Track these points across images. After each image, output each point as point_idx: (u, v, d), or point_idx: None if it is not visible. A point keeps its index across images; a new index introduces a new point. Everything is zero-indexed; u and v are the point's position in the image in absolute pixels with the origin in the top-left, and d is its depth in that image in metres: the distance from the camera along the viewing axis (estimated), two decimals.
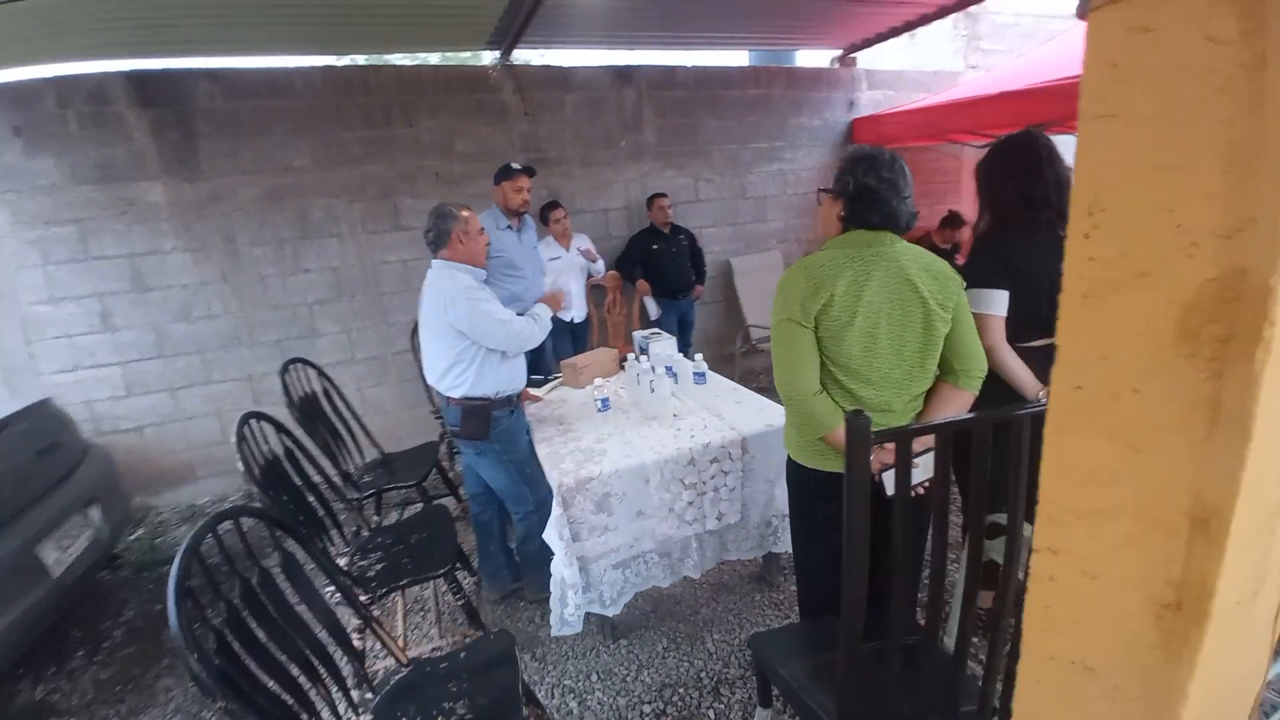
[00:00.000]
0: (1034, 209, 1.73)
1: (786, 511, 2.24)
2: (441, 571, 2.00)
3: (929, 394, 1.56)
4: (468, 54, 4.37)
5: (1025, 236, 1.75)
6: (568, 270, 3.97)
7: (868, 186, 1.42)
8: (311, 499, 2.07)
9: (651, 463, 2.03)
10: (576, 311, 4.04)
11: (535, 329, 2.21)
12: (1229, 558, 0.50)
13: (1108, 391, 0.53)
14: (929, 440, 1.47)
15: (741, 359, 4.90)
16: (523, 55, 4.08)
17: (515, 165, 3.11)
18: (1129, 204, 0.48)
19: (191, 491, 3.79)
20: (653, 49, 4.60)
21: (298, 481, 2.07)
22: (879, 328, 1.42)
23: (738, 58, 5.14)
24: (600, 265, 4.14)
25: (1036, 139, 1.73)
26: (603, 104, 4.32)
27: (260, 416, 2.07)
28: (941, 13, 4.11)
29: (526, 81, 4.08)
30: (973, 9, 4.71)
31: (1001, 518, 1.89)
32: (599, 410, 2.33)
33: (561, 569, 1.96)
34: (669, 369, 2.48)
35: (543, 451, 2.22)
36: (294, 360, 2.76)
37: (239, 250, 3.65)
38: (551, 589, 2.01)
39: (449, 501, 3.17)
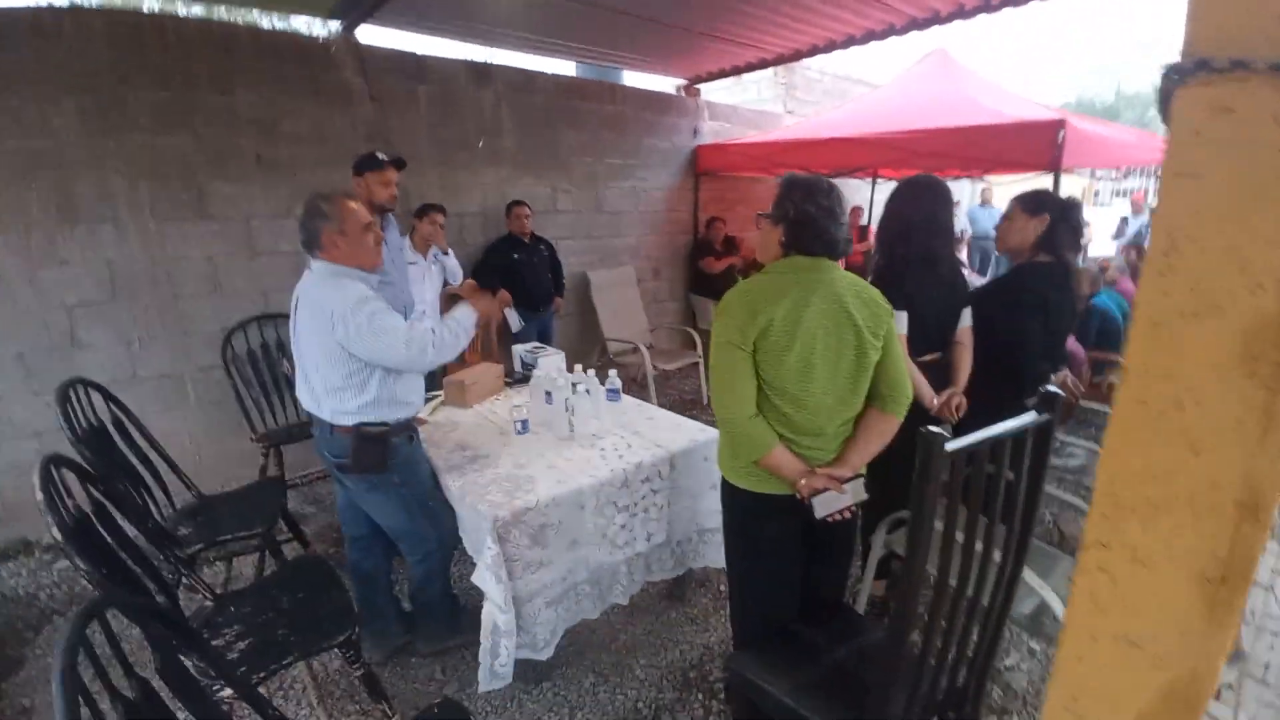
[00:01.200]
0: (932, 250, 1.99)
1: (706, 526, 2.27)
2: (342, 638, 1.63)
3: (857, 419, 1.59)
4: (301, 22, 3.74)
5: (918, 270, 2.00)
6: (423, 278, 3.59)
7: (807, 213, 1.45)
8: (131, 563, 1.57)
9: (588, 487, 1.90)
10: (430, 323, 3.66)
11: (454, 340, 1.90)
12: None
13: (1171, 403, 0.62)
14: (859, 467, 1.59)
15: (599, 373, 4.86)
16: (368, 33, 3.62)
17: (382, 155, 2.72)
18: (1203, 247, 0.58)
19: None
20: (508, 49, 4.39)
21: (109, 540, 1.55)
22: (815, 353, 1.44)
23: (565, 67, 5.08)
24: (458, 272, 3.81)
25: (941, 187, 2.00)
26: (459, 101, 4.01)
27: (61, 461, 1.51)
28: (779, 60, 4.56)
29: (373, 63, 3.62)
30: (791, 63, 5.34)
31: (902, 514, 2.12)
32: (518, 432, 2.11)
33: (496, 615, 1.73)
34: (575, 385, 2.34)
35: (455, 482, 1.95)
36: (75, 381, 2.08)
37: None
38: (481, 639, 1.76)
39: (292, 551, 2.64)
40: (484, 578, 1.72)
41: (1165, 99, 0.59)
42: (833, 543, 1.71)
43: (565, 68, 5.05)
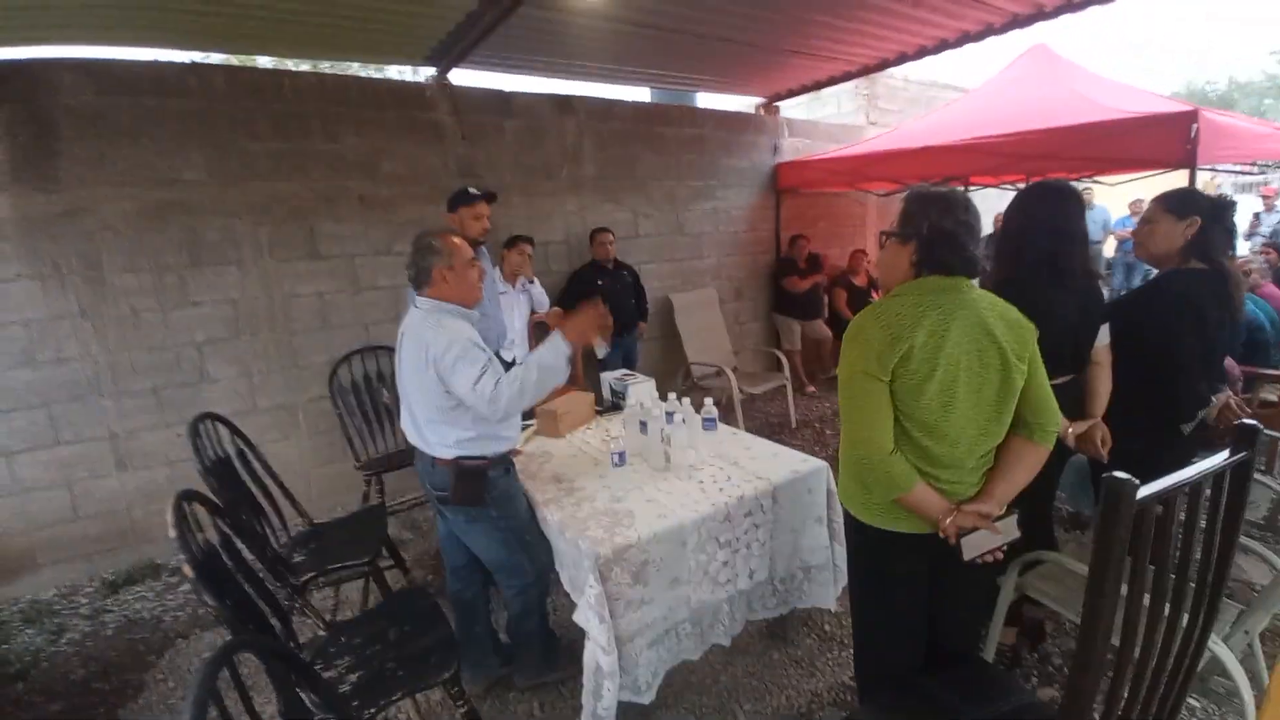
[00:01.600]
0: (1059, 260, 1.80)
1: (811, 563, 2.13)
2: (447, 675, 1.63)
3: (1000, 449, 1.46)
4: (394, 70, 3.98)
5: (1047, 282, 1.81)
6: (512, 307, 3.66)
7: (944, 229, 1.34)
8: (254, 594, 1.62)
9: (690, 522, 1.82)
10: (519, 350, 3.72)
11: (539, 381, 1.80)
12: None
13: None
14: (1004, 502, 1.43)
15: (692, 398, 4.79)
16: (459, 75, 3.79)
17: (474, 190, 2.82)
18: None
19: (32, 583, 2.93)
20: (588, 80, 4.49)
21: (234, 572, 1.61)
22: (958, 381, 1.32)
23: (642, 94, 5.10)
24: (544, 300, 3.87)
25: (1073, 191, 1.81)
26: (543, 132, 4.12)
27: (192, 496, 1.60)
28: (864, 71, 4.41)
29: (464, 103, 3.78)
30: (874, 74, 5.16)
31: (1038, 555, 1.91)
32: (615, 465, 2.07)
33: (599, 656, 1.67)
34: (670, 414, 2.28)
35: (553, 516, 1.92)
36: (204, 416, 2.22)
37: (105, 278, 2.95)
38: (584, 680, 1.71)
39: (392, 576, 2.70)
40: (586, 617, 1.67)
41: None
42: (966, 587, 1.55)
43: (642, 94, 5.11)
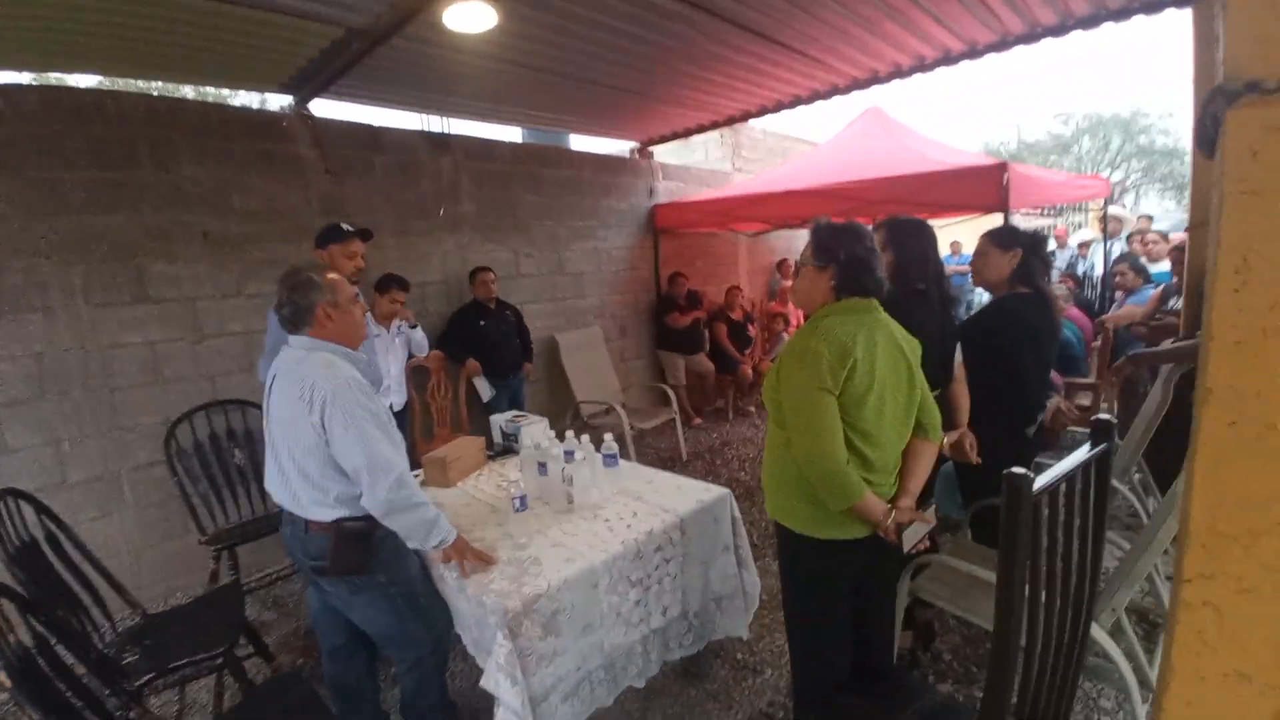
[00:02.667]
0: (927, 285, 2.00)
1: (721, 593, 2.13)
2: None
3: (905, 451, 1.60)
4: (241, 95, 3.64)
5: (916, 303, 2.00)
6: (387, 350, 3.41)
7: (858, 255, 1.47)
8: (79, 705, 1.31)
9: (600, 564, 1.74)
10: (396, 396, 3.46)
11: (427, 513, 1.65)
12: None
13: (1264, 424, 0.61)
14: (915, 496, 1.55)
15: (590, 437, 4.69)
16: (321, 106, 3.55)
17: (346, 226, 2.61)
18: (1274, 262, 0.58)
19: None
20: (460, 117, 4.40)
21: (53, 679, 1.30)
22: (886, 390, 1.46)
23: (511, 133, 5.11)
24: (424, 343, 3.65)
25: (925, 226, 2.03)
26: (417, 170, 3.95)
27: (4, 591, 1.27)
28: (730, 121, 4.74)
29: (328, 137, 3.53)
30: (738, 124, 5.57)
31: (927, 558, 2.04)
32: (516, 510, 1.94)
33: None
34: (568, 452, 2.20)
35: (451, 572, 1.75)
36: (5, 492, 1.81)
37: None
38: None
39: (252, 666, 2.32)
40: (496, 681, 1.52)
41: (1209, 123, 0.60)
42: (885, 592, 1.66)
43: (514, 133, 5.09)
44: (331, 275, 1.68)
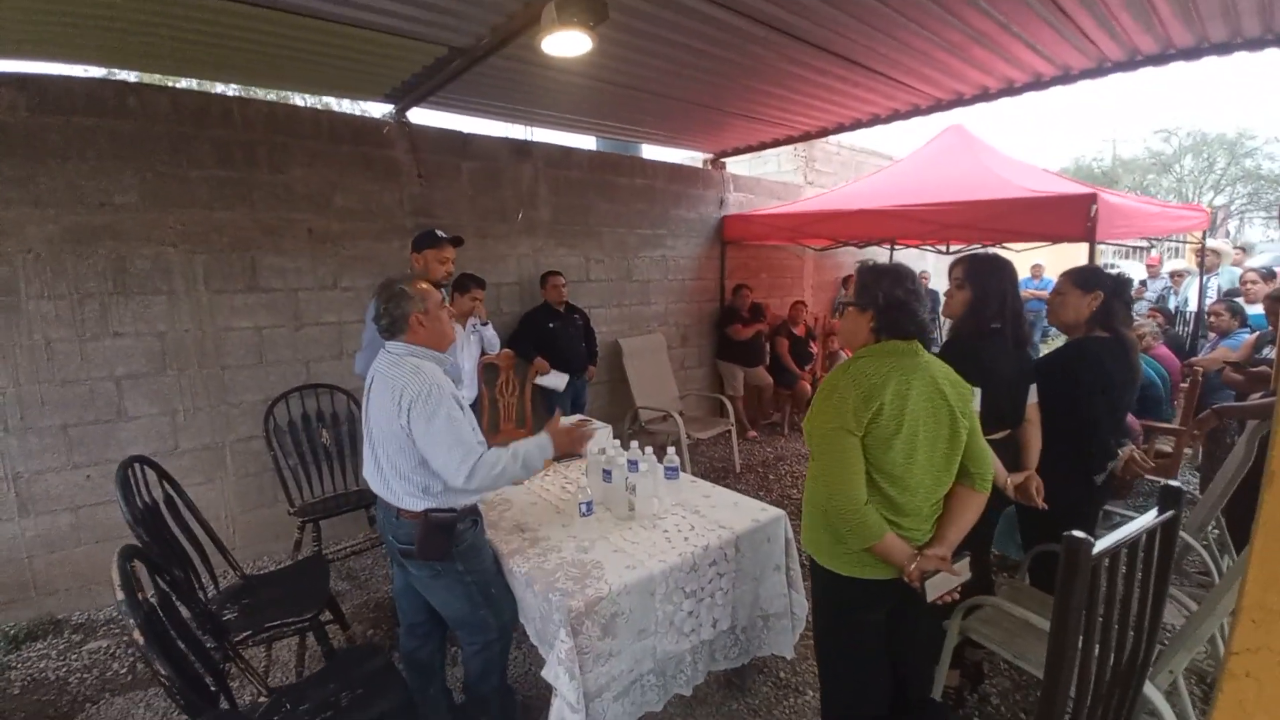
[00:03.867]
0: (1005, 326, 1.99)
1: (770, 611, 2.18)
2: None
3: (947, 497, 1.59)
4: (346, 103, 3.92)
5: (989, 343, 2.00)
6: (462, 348, 3.61)
7: (897, 299, 1.49)
8: (194, 659, 1.50)
9: (658, 573, 1.84)
10: (468, 391, 3.65)
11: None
12: None
13: None
14: (954, 545, 1.56)
15: (628, 440, 4.81)
16: (418, 115, 3.78)
17: (442, 234, 2.80)
18: None
19: None
20: (539, 125, 4.58)
21: (172, 634, 1.49)
22: (918, 435, 1.46)
23: (587, 141, 5.26)
24: (495, 341, 3.83)
25: (1006, 263, 2.02)
26: (500, 175, 4.15)
27: (133, 553, 1.47)
28: (805, 137, 4.74)
29: (422, 142, 3.77)
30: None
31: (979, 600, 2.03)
32: (582, 514, 2.06)
33: (566, 714, 1.64)
34: (632, 462, 2.31)
35: (520, 568, 1.89)
36: (135, 459, 2.06)
37: (19, 305, 2.71)
38: None
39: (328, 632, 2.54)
40: (556, 673, 1.64)
41: None
42: (921, 632, 1.65)
43: (588, 142, 5.25)
44: (422, 285, 1.84)
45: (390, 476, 1.77)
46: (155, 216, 2.99)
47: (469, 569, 1.85)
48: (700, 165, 5.60)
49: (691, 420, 4.81)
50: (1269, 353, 3.00)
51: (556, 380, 4.15)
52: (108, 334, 2.92)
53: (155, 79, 3.20)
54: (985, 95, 3.74)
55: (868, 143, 7.44)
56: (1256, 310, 4.10)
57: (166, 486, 2.22)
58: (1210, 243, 5.78)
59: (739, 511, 2.23)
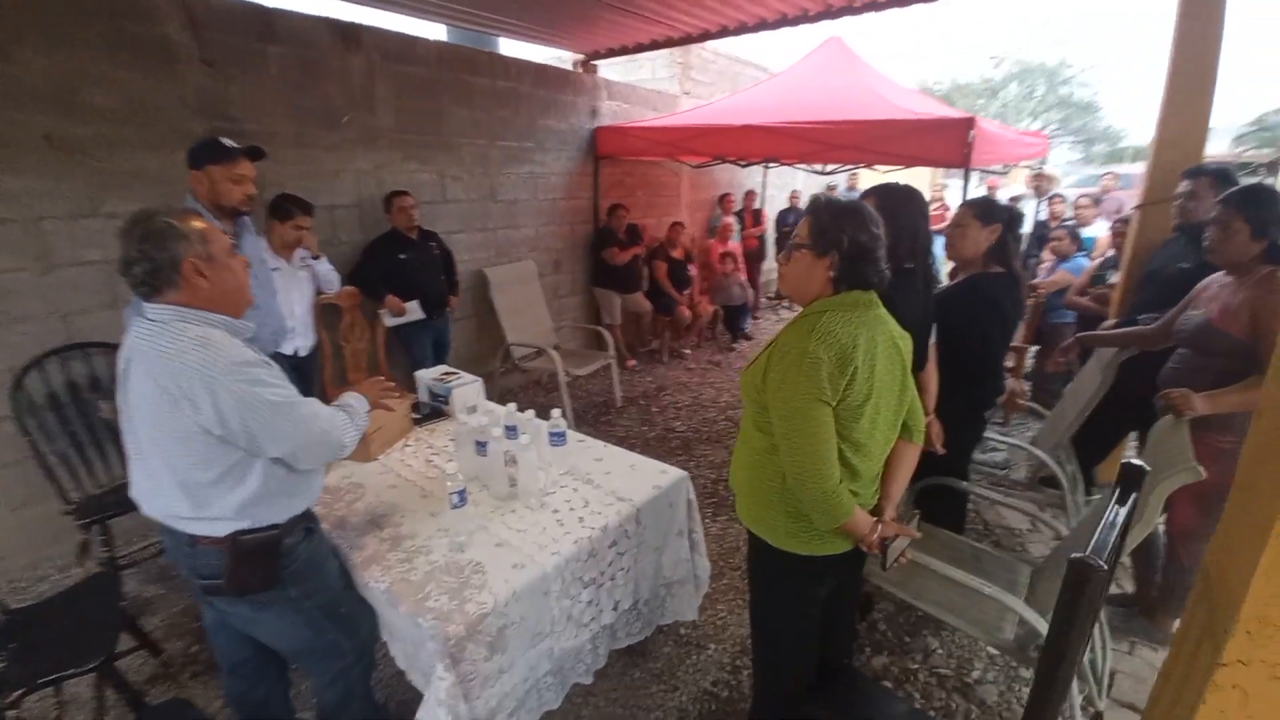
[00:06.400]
0: (913, 261, 1.83)
1: (672, 579, 2.03)
2: None
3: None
4: None
5: (903, 284, 1.85)
6: (290, 288, 2.95)
7: (863, 245, 1.26)
8: None
9: (552, 569, 1.56)
10: (301, 341, 3.03)
11: (351, 426, 1.47)
12: None
13: None
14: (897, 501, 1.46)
15: (500, 379, 4.42)
16: None
17: (229, 142, 2.13)
18: None
19: None
20: (375, 7, 3.71)
21: None
22: (882, 397, 1.31)
23: (437, 31, 4.42)
24: (333, 277, 3.18)
25: (918, 194, 1.84)
26: (321, 67, 3.32)
27: None
28: (685, 40, 4.30)
29: (205, 16, 2.85)
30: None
31: None
32: (454, 506, 1.69)
33: None
34: (510, 428, 1.96)
35: (379, 582, 1.52)
36: None
37: None
38: None
39: (126, 662, 2.03)
40: (436, 715, 1.33)
41: None
42: (854, 598, 1.60)
43: (437, 31, 4.40)
44: (197, 223, 1.28)
45: (175, 497, 1.28)
46: None
47: (306, 593, 1.44)
48: (570, 68, 4.97)
49: (569, 355, 4.50)
50: (1112, 278, 3.23)
51: (413, 315, 3.60)
52: None
53: None
54: (874, 4, 3.53)
55: (745, 53, 7.08)
56: (1088, 233, 4.48)
57: None
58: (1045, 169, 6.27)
59: (637, 476, 1.99)
